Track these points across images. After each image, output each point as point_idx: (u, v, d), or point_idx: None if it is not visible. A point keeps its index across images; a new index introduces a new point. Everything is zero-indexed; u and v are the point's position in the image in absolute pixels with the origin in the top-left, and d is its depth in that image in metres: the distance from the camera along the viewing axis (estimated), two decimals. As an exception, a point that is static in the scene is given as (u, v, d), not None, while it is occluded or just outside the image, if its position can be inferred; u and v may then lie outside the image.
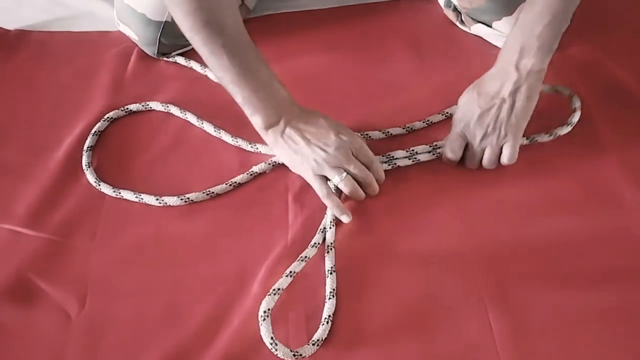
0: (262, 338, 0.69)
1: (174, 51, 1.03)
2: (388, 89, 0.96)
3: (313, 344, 0.70)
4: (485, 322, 0.71)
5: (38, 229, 0.82)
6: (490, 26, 0.97)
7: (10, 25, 1.12)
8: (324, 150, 0.79)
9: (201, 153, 0.90)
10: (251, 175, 0.86)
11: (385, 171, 0.84)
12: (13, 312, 0.75)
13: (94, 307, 0.75)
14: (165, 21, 0.97)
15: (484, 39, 1.01)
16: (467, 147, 0.83)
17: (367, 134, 0.88)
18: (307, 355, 0.69)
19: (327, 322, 0.71)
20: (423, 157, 0.85)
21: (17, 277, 0.77)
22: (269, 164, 0.87)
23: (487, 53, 1.00)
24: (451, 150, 0.83)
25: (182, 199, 0.83)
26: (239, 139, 0.90)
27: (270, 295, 0.72)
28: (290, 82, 0.97)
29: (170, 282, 0.77)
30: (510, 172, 0.84)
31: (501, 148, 0.81)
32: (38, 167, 0.89)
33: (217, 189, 0.85)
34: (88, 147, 0.91)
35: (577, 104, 0.88)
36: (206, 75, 1.00)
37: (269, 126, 0.81)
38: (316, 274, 0.76)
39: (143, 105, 0.96)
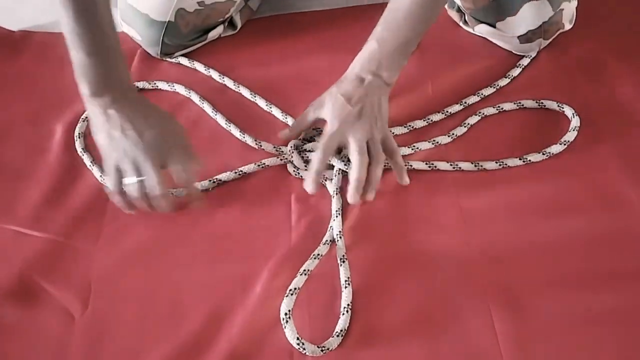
0: (287, 340, 0.69)
1: (177, 52, 1.03)
2: (391, 89, 0.96)
3: (337, 335, 0.70)
4: (489, 323, 0.71)
5: (42, 230, 0.82)
6: (494, 26, 0.97)
7: (14, 26, 1.13)
8: (135, 145, 0.77)
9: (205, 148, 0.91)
10: (238, 174, 0.86)
11: (387, 173, 0.83)
12: (17, 312, 0.75)
13: (98, 308, 0.75)
14: (169, 21, 0.97)
15: (488, 39, 1.01)
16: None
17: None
18: (334, 348, 0.69)
19: (347, 312, 0.71)
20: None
21: (20, 278, 0.77)
22: (258, 165, 0.87)
23: (490, 53, 1.00)
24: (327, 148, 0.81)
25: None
26: (246, 135, 0.90)
27: (287, 296, 0.72)
28: (294, 83, 0.98)
29: (174, 283, 0.77)
30: (515, 174, 0.84)
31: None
32: (41, 167, 0.89)
33: (223, 175, 0.86)
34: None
35: (576, 124, 0.88)
36: (210, 77, 1.00)
37: (93, 95, 0.78)
38: (314, 275, 0.76)
39: (151, 84, 1.00)
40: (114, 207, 0.84)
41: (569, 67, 0.97)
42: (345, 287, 0.73)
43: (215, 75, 1.00)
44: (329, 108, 0.82)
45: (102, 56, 0.76)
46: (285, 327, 0.70)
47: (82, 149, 0.90)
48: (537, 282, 0.74)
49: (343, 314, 0.71)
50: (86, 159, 0.89)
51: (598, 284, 0.73)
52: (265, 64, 1.02)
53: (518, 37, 0.95)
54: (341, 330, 0.70)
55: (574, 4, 0.96)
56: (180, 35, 1.00)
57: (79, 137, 0.92)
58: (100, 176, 0.87)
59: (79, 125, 0.93)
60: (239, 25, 1.07)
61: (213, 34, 1.04)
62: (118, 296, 0.76)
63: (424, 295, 0.74)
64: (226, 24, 1.06)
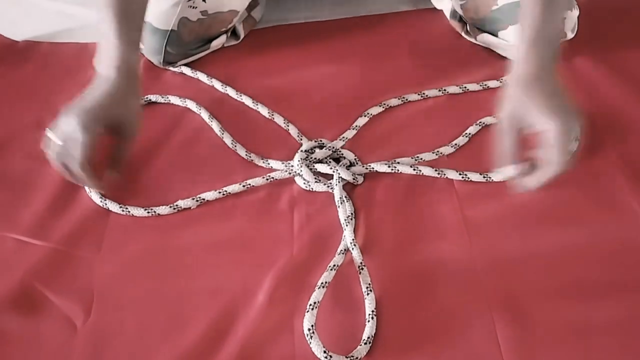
0: (314, 354, 0.69)
1: (180, 60, 1.03)
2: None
3: (365, 343, 0.69)
4: (491, 332, 0.70)
5: (44, 239, 0.82)
6: (496, 35, 0.97)
7: (19, 36, 1.13)
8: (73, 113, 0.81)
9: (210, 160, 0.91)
10: (244, 186, 0.86)
11: (391, 182, 0.84)
12: (18, 321, 0.75)
13: (100, 317, 0.75)
14: (172, 30, 0.98)
15: (490, 49, 1.01)
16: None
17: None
18: (362, 356, 0.69)
19: (372, 318, 0.71)
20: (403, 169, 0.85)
21: (22, 287, 0.77)
22: (266, 179, 0.86)
23: (493, 63, 1.00)
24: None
25: (172, 207, 0.84)
26: (252, 155, 0.90)
27: (309, 311, 0.71)
28: (296, 92, 0.98)
29: (176, 292, 0.77)
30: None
31: None
32: (44, 176, 0.89)
33: (208, 195, 0.85)
34: None
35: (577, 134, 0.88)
36: (213, 87, 1.01)
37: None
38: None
39: (164, 98, 0.99)
40: (116, 216, 0.84)
41: (570, 76, 0.97)
42: (368, 293, 0.73)
43: (217, 85, 1.00)
44: (536, 116, 0.75)
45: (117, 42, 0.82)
46: (310, 342, 0.69)
47: None
48: (540, 291, 0.74)
49: (369, 320, 0.71)
50: None
51: (601, 293, 0.73)
52: (268, 74, 1.02)
53: (521, 45, 0.95)
54: (368, 337, 0.70)
55: (576, 13, 0.97)
56: (183, 44, 1.00)
57: None
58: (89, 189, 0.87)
59: None
60: (242, 35, 1.08)
61: (216, 44, 1.04)
62: (120, 305, 0.76)
63: (425, 303, 0.74)
64: (229, 33, 1.06)
